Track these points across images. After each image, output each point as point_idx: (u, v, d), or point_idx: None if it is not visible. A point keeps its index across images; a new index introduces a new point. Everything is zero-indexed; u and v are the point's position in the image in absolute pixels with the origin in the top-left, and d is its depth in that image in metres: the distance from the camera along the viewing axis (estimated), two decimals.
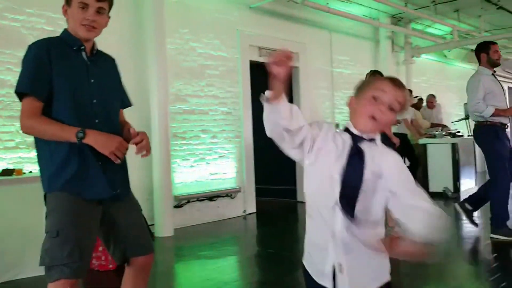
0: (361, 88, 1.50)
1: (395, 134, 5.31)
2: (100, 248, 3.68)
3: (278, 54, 1.36)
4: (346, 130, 1.47)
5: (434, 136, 7.73)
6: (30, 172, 4.09)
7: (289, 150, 1.47)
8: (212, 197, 6.01)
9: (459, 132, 8.30)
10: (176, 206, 5.55)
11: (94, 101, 1.96)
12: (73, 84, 1.92)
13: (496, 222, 4.47)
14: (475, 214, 5.53)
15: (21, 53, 1.94)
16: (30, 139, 2.40)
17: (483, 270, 3.65)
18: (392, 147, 4.96)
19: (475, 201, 4.78)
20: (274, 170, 7.59)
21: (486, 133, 4.49)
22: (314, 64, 7.65)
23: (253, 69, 6.69)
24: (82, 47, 1.97)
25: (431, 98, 8.94)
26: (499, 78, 13.57)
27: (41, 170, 1.95)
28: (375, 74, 5.06)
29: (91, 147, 1.87)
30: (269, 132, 1.47)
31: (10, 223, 3.58)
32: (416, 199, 1.40)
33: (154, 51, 5.26)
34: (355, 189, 1.39)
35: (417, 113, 8.22)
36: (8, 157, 4.25)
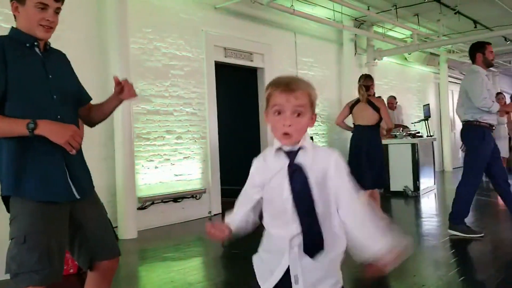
0: (267, 102, 1.47)
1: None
2: None
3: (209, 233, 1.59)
4: (279, 148, 1.46)
5: (395, 136, 7.94)
6: None
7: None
8: (176, 198, 5.96)
9: (418, 132, 8.55)
10: (140, 208, 5.47)
11: (54, 96, 1.92)
12: (32, 81, 1.88)
13: (456, 218, 4.61)
14: (434, 210, 5.70)
15: None
16: None
17: (441, 266, 3.77)
18: (380, 148, 5.20)
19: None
20: (239, 171, 7.55)
21: (474, 134, 4.54)
22: (279, 65, 7.70)
23: (219, 70, 6.68)
24: (36, 43, 1.93)
25: (391, 99, 9.16)
26: (455, 81, 13.98)
27: (0, 172, 1.88)
28: (367, 79, 5.25)
29: (51, 145, 1.82)
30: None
31: None
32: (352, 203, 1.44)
33: (116, 50, 5.17)
34: (309, 203, 1.41)
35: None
36: None
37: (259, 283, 1.52)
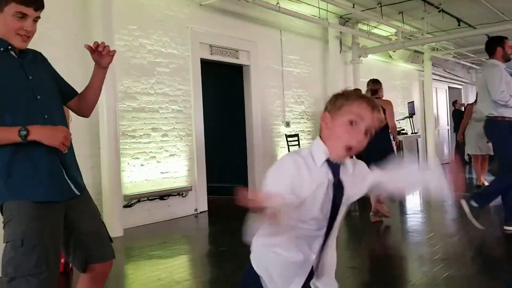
0: (336, 105, 1.38)
1: None
2: None
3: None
4: (326, 160, 1.37)
5: None
6: None
7: None
8: (163, 196, 5.94)
9: (403, 130, 8.62)
10: (125, 206, 5.44)
11: (38, 97, 1.89)
12: (13, 84, 1.84)
13: (510, 214, 4.51)
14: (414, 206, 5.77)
15: None
16: None
17: (426, 262, 3.82)
18: (390, 147, 5.35)
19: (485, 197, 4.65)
20: (225, 168, 7.60)
21: (501, 129, 4.48)
22: (265, 62, 7.71)
23: (204, 67, 6.66)
24: (9, 47, 1.88)
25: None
26: (439, 78, 14.18)
27: None
28: (374, 84, 5.42)
29: (44, 147, 1.80)
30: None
31: None
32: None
33: None
34: (335, 213, 1.42)
35: None
36: None
37: (278, 283, 1.44)
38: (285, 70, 8.16)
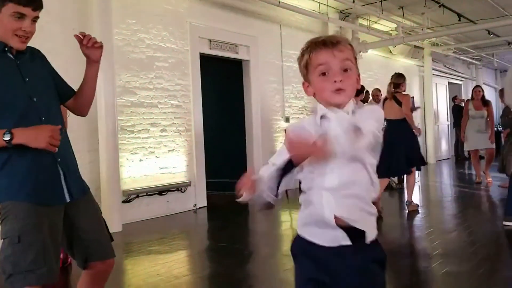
0: (302, 68, 1.39)
1: None
2: None
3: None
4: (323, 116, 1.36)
5: None
6: None
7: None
8: (161, 191, 5.93)
9: None
10: (124, 201, 5.43)
11: (35, 99, 1.85)
12: (9, 87, 1.81)
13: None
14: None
15: None
16: None
17: (425, 257, 3.82)
18: (413, 136, 5.52)
19: None
20: (224, 164, 7.58)
21: None
22: (265, 57, 7.68)
23: (203, 62, 6.63)
24: (6, 48, 1.84)
25: (376, 91, 9.19)
26: (439, 74, 14.10)
27: None
28: (398, 78, 5.65)
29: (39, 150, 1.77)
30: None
31: None
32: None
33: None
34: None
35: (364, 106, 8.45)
36: None
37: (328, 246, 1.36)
38: (285, 65, 8.13)
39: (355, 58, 1.38)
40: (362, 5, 8.40)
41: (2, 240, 1.76)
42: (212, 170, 6.96)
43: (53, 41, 4.66)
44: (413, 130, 5.57)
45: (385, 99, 5.73)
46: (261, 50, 7.59)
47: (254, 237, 5.11)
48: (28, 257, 1.71)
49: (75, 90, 2.12)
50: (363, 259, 1.35)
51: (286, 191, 1.38)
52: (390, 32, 10.22)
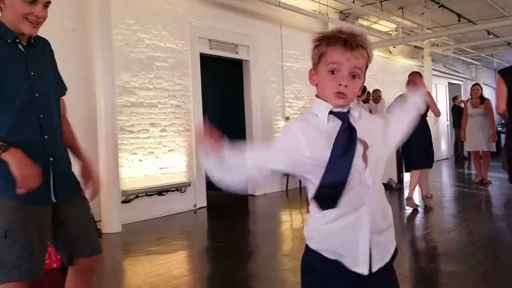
0: (314, 58, 1.36)
1: None
2: None
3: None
4: (332, 112, 1.33)
5: None
6: None
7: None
8: (161, 191, 5.92)
9: None
10: (124, 201, 5.42)
11: (37, 95, 1.84)
12: (12, 80, 1.80)
13: None
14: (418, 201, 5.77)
15: None
16: None
17: (423, 257, 3.82)
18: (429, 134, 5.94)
19: None
20: None
21: None
22: (265, 58, 7.67)
23: (203, 62, 6.62)
24: (18, 40, 1.83)
25: (377, 92, 9.21)
26: (439, 74, 14.06)
27: None
28: (414, 75, 5.89)
29: (32, 150, 1.76)
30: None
31: None
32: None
33: (99, 42, 5.08)
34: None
35: (365, 106, 8.45)
36: None
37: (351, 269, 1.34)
38: (285, 65, 8.13)
39: (367, 66, 1.36)
40: (362, 5, 8.40)
41: None
42: None
43: (52, 41, 4.61)
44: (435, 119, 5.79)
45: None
46: (261, 50, 7.58)
47: (254, 237, 5.10)
48: (13, 253, 1.72)
49: (66, 89, 2.11)
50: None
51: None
52: (390, 32, 10.22)
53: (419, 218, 5.42)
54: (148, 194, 5.76)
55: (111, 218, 5.07)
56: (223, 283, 3.39)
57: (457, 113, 10.95)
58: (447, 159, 13.24)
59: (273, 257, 4.02)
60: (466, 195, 7.03)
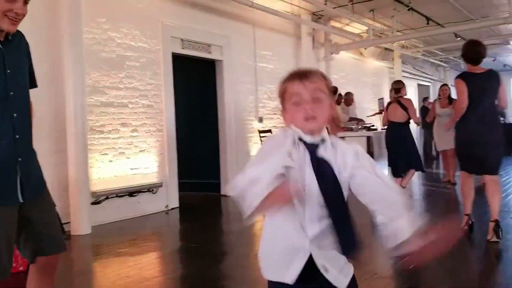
0: (281, 99, 1.46)
1: None
2: None
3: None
4: (303, 141, 1.38)
5: (351, 129, 8.10)
6: None
7: None
8: (132, 192, 5.84)
9: (373, 126, 8.74)
10: (93, 203, 5.32)
11: (11, 93, 1.81)
12: None
13: None
14: None
15: None
16: None
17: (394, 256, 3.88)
18: (413, 140, 6.24)
19: None
20: (197, 164, 7.54)
21: None
22: (238, 58, 7.67)
23: (176, 61, 6.57)
24: None
25: (349, 95, 9.32)
26: (408, 76, 14.28)
27: None
28: (397, 83, 6.32)
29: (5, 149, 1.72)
30: None
31: None
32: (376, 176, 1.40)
33: (69, 40, 4.98)
34: (338, 195, 1.37)
35: (337, 107, 8.55)
36: None
37: (276, 278, 1.39)
38: (259, 66, 8.15)
39: (329, 88, 1.41)
40: (334, 7, 8.50)
41: None
42: (184, 170, 6.91)
43: None
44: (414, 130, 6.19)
45: (389, 103, 6.31)
46: (235, 50, 7.58)
47: (227, 237, 5.09)
48: None
49: (36, 85, 2.07)
50: None
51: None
52: (362, 34, 10.37)
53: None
54: (118, 195, 5.67)
55: (80, 220, 4.97)
56: (195, 283, 3.37)
57: (426, 114, 11.18)
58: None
59: (246, 257, 4.02)
60: (435, 193, 7.19)
